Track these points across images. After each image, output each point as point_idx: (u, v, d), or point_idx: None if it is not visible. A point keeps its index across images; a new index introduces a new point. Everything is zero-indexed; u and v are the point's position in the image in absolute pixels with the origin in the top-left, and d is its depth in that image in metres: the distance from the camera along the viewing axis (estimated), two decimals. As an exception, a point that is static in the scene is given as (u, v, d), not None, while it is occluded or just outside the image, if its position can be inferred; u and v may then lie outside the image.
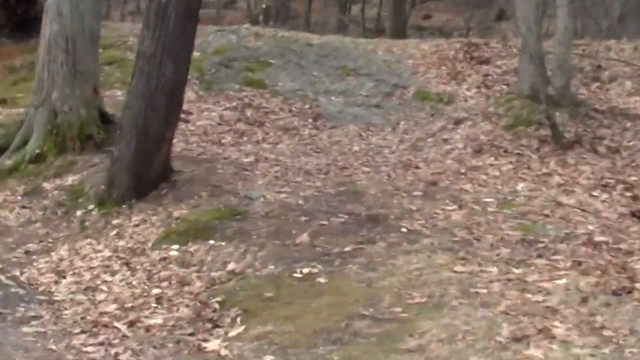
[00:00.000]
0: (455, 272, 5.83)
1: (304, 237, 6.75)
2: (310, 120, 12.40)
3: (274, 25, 23.01)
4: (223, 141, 10.91)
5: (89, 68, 10.46)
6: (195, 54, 10.27)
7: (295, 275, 6.03)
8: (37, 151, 9.98)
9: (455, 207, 7.91)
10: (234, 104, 12.58)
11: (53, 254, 7.51)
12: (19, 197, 9.25)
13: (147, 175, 8.39)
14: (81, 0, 10.31)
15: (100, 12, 11.68)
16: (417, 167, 9.99)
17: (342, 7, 32.21)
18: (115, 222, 7.99)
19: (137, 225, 7.76)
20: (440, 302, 5.26)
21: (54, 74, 10.24)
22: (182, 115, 9.76)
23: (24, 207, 9.00)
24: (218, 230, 7.10)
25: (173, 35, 8.06)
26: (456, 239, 6.72)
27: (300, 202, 7.88)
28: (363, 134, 11.93)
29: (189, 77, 9.04)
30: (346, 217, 7.33)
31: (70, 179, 9.26)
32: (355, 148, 11.09)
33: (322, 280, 5.89)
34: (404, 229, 6.98)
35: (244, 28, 16.55)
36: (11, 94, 13.10)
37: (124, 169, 8.35)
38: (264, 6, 31.33)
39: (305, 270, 6.07)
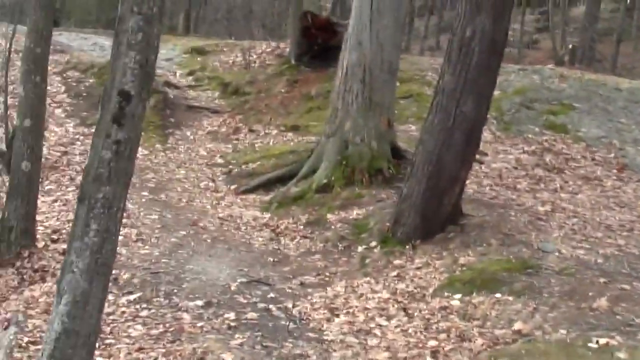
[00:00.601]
0: None
1: (602, 302, 6.20)
2: (615, 170, 11.77)
3: (580, 67, 22.18)
4: (518, 186, 10.46)
5: (385, 100, 10.33)
6: (495, 92, 9.83)
7: (590, 344, 5.46)
8: (325, 181, 9.94)
9: None
10: (533, 147, 12.13)
11: (329, 289, 7.27)
12: (301, 227, 9.19)
13: (435, 216, 8.07)
14: (381, 31, 10.22)
15: (399, 44, 11.54)
16: None
17: (653, 51, 30.73)
18: (396, 262, 7.71)
19: (419, 269, 7.44)
20: None
21: (348, 104, 10.21)
22: (477, 156, 9.33)
23: (305, 237, 8.90)
24: (506, 283, 6.67)
25: (475, 71, 7.73)
26: None
27: (599, 260, 7.36)
28: (674, 190, 10.99)
29: (486, 115, 8.64)
30: (652, 282, 6.63)
31: (355, 213, 9.08)
32: (664, 205, 10.21)
33: (621, 355, 5.27)
34: None
35: (548, 68, 16.13)
36: (304, 121, 13.31)
37: (412, 208, 8.08)
38: (570, 46, 30.32)
39: (602, 341, 5.49)
